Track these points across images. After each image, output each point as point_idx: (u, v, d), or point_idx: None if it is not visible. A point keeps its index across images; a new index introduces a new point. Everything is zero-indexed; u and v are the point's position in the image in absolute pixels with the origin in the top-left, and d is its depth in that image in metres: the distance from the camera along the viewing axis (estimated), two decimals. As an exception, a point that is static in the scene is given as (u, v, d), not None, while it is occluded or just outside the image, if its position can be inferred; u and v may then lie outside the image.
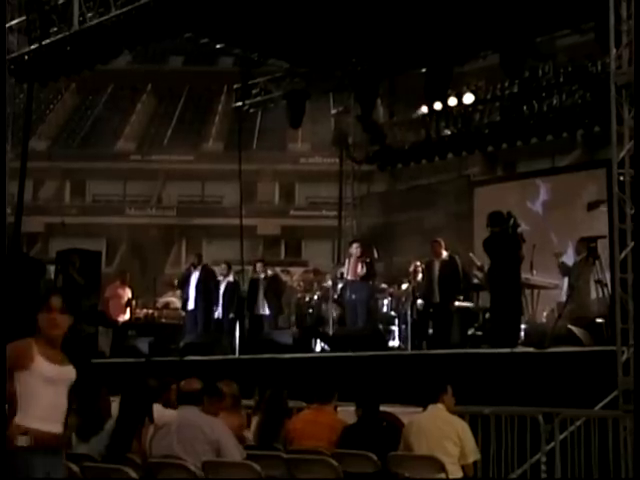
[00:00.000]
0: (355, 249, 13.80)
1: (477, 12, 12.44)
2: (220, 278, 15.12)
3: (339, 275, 14.05)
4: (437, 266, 12.56)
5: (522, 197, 15.82)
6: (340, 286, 14.27)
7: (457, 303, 12.51)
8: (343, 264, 14.07)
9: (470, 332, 12.56)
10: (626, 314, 8.22)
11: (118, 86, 39.00)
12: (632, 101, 8.47)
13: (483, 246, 11.12)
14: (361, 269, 13.54)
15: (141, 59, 35.74)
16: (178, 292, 16.13)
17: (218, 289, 14.92)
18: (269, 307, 14.59)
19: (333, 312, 13.95)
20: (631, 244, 8.33)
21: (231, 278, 15.01)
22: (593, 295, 11.22)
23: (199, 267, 15.12)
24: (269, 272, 14.96)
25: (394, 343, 13.46)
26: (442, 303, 12.43)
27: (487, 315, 12.00)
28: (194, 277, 14.95)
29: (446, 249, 12.70)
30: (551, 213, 15.83)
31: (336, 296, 14.12)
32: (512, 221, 10.93)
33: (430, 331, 12.73)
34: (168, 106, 39.87)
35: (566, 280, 11.87)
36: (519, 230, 11.11)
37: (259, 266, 15.04)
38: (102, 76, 30.37)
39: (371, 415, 6.90)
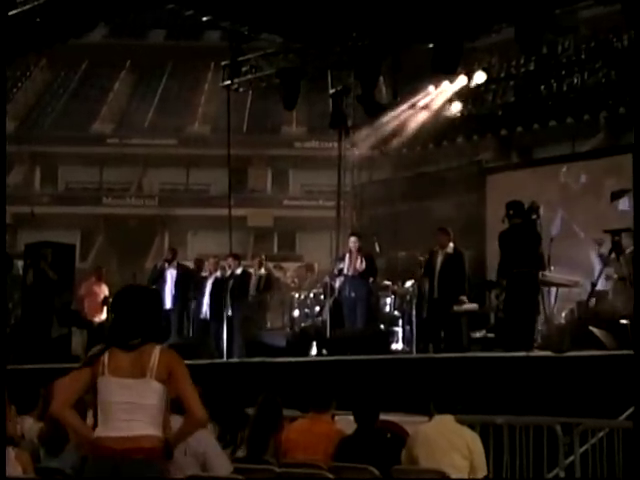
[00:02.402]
0: (353, 243, 13.77)
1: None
2: (206, 274, 15.15)
3: (337, 271, 14.03)
4: (440, 259, 12.51)
5: (539, 185, 15.80)
6: (338, 283, 14.27)
7: (464, 306, 12.45)
8: (342, 259, 14.06)
9: (481, 334, 12.56)
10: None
11: (94, 62, 38.96)
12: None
13: (499, 239, 11.11)
14: (360, 264, 13.51)
15: (119, 32, 35.77)
16: None
17: (202, 286, 14.95)
18: (232, 308, 14.58)
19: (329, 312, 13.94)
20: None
21: (219, 274, 15.04)
22: (617, 293, 11.23)
23: (174, 263, 15.20)
24: (238, 270, 14.96)
25: (398, 346, 13.47)
26: (441, 300, 12.40)
27: (500, 315, 12.00)
28: (170, 274, 15.01)
29: (454, 241, 12.66)
30: (571, 203, 15.83)
31: (334, 294, 14.12)
32: (537, 212, 10.93)
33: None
34: (149, 85, 39.84)
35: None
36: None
37: (230, 261, 15.06)
38: (76, 51, 30.34)
39: (368, 425, 6.89)
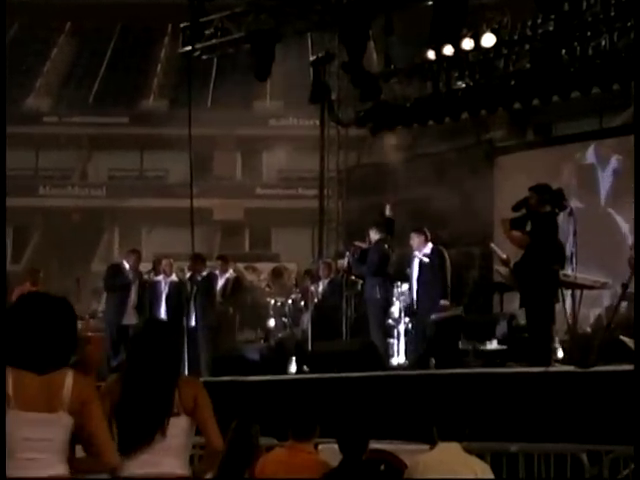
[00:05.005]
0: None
1: None
2: (160, 278, 15.10)
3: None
4: (417, 262, 12.87)
5: (558, 169, 15.85)
6: (321, 287, 14.30)
7: (445, 313, 12.62)
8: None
9: (491, 347, 12.60)
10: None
11: (27, 24, 38.79)
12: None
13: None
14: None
15: (58, -11, 35.60)
16: (104, 297, 16.10)
17: (157, 292, 14.91)
18: (195, 317, 14.61)
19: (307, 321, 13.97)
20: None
21: (174, 277, 15.03)
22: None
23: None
24: (204, 273, 15.00)
25: (394, 360, 13.48)
26: (421, 310, 12.77)
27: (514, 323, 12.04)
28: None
29: (433, 240, 12.85)
30: (591, 190, 15.88)
31: (316, 300, 14.15)
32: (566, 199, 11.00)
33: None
34: (94, 51, 39.70)
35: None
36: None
37: (190, 264, 15.16)
38: (5, 11, 30.16)
39: (355, 455, 6.89)
